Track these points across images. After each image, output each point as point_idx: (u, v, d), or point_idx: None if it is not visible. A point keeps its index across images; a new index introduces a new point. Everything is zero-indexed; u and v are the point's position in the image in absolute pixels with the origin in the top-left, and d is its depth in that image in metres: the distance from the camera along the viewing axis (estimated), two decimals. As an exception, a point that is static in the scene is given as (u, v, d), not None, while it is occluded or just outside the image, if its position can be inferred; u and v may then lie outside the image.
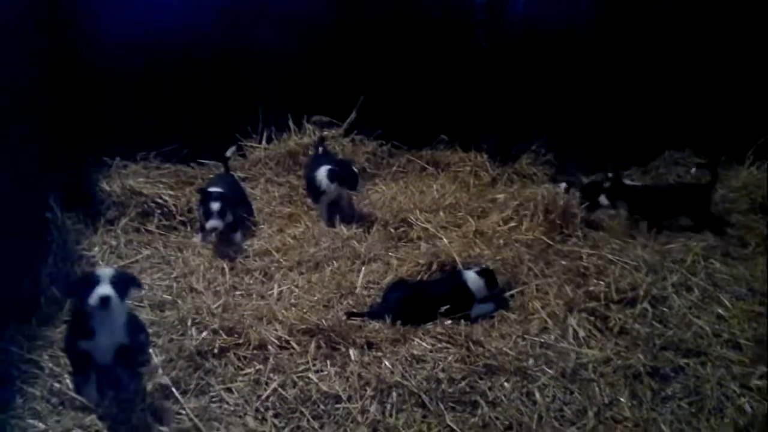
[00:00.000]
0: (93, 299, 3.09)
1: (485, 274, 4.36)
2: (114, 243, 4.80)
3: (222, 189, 4.97)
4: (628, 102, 6.36)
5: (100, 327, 3.16)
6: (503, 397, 3.57)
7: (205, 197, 4.84)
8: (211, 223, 4.75)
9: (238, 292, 4.34)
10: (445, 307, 4.13)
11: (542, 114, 6.38)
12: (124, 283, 3.20)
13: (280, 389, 3.47)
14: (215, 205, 4.75)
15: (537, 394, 3.60)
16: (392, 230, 5.17)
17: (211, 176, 5.67)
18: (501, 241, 4.98)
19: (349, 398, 3.46)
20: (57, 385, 3.40)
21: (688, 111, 6.36)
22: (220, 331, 3.77)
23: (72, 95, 5.54)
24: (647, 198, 5.49)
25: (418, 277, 4.58)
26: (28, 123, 4.52)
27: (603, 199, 5.47)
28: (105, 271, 3.18)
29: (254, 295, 4.30)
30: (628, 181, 5.53)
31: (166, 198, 5.29)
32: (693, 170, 5.94)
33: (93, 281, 3.13)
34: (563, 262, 4.76)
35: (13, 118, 4.18)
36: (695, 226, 5.36)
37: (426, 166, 6.33)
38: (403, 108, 6.29)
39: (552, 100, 6.33)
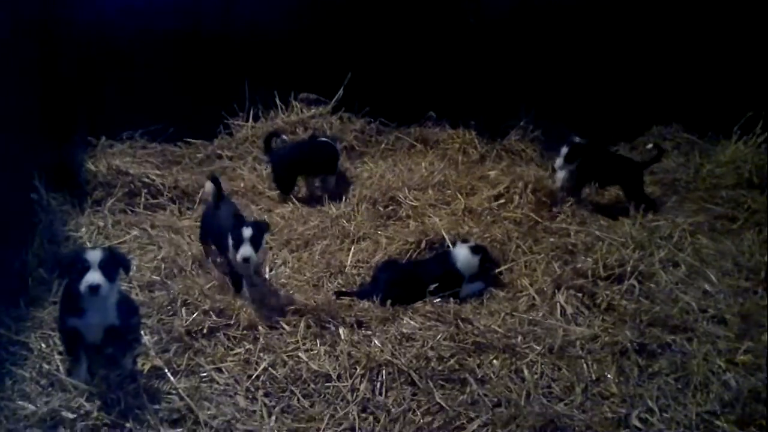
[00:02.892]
0: (82, 287, 3.06)
1: (477, 251, 4.37)
2: (101, 224, 4.75)
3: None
4: (616, 77, 6.34)
5: (90, 306, 3.15)
6: (492, 374, 3.60)
7: (238, 223, 4.02)
8: (244, 251, 3.91)
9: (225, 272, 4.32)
10: (434, 286, 4.15)
11: (530, 90, 6.34)
12: (115, 264, 3.17)
13: (270, 369, 3.48)
14: (247, 232, 3.92)
15: (525, 371, 3.63)
16: (381, 208, 5.16)
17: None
18: (490, 219, 5.00)
19: (339, 377, 3.48)
20: (46, 366, 3.38)
21: (676, 86, 6.35)
22: (210, 312, 3.77)
23: (56, 74, 5.46)
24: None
25: (407, 256, 4.58)
26: (12, 103, 4.45)
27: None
28: (94, 254, 3.10)
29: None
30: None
31: (153, 177, 5.24)
32: (649, 146, 5.95)
33: (82, 265, 3.08)
34: (551, 239, 4.79)
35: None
36: (627, 199, 5.41)
37: (414, 143, 6.30)
38: (391, 85, 6.24)
39: (540, 76, 6.30)
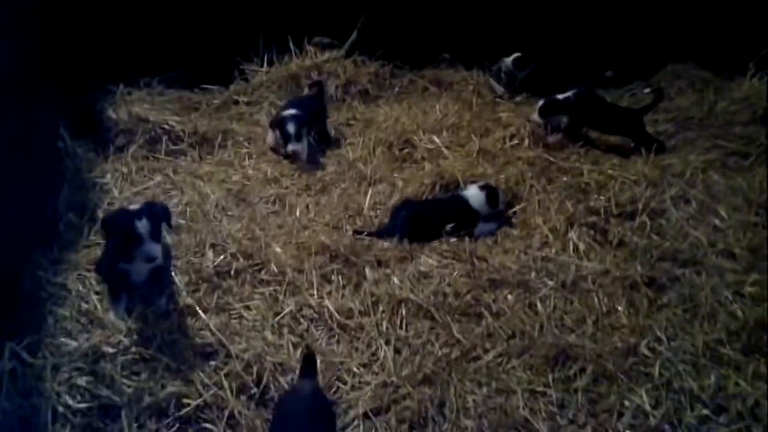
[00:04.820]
0: (139, 257, 3.34)
1: (487, 190, 4.50)
2: (125, 170, 4.85)
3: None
4: (630, 15, 6.28)
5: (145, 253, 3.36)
6: (506, 308, 3.77)
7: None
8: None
9: (250, 218, 4.43)
10: (450, 226, 4.29)
11: (543, 30, 6.31)
12: (159, 221, 3.37)
13: (296, 307, 3.67)
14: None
15: (539, 305, 3.80)
16: (396, 152, 5.24)
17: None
18: (504, 160, 5.08)
19: (361, 313, 3.66)
20: (84, 305, 3.57)
21: (690, 23, 6.29)
22: (237, 254, 3.93)
23: (73, 22, 5.50)
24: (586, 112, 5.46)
25: (423, 197, 4.70)
26: (34, 54, 4.53)
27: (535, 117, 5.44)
28: (143, 225, 3.28)
29: (267, 219, 4.43)
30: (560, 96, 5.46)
31: (173, 124, 5.32)
32: (646, 90, 5.79)
33: (134, 236, 3.29)
34: (564, 179, 4.88)
35: (19, 48, 4.20)
36: (635, 145, 5.36)
37: (428, 86, 6.30)
38: (404, 27, 6.22)
39: (553, 13, 6.26)
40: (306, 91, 5.79)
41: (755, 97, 5.88)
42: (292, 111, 5.22)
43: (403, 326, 3.63)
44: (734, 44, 6.17)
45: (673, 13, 6.26)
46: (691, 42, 6.33)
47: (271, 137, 5.32)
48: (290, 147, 5.06)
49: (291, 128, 5.06)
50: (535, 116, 5.41)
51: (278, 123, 5.18)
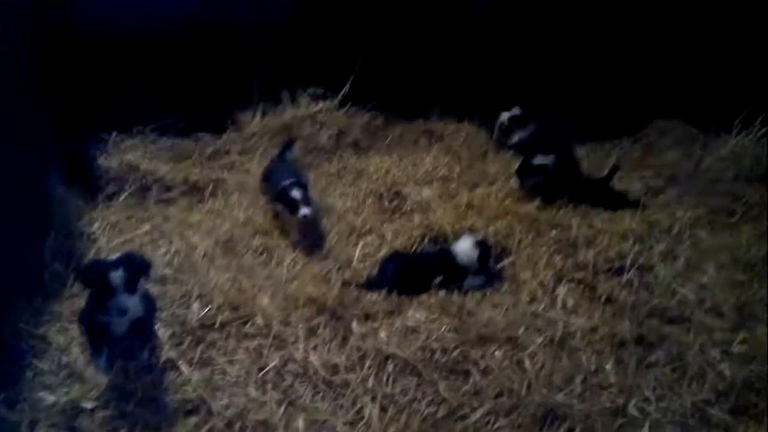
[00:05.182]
0: (113, 309, 3.23)
1: (480, 247, 4.46)
2: (114, 219, 4.85)
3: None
4: (617, 70, 6.40)
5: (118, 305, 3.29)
6: (494, 366, 3.71)
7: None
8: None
9: (238, 268, 4.40)
10: (439, 279, 4.28)
11: (532, 84, 6.40)
12: (136, 272, 3.29)
13: (281, 362, 3.61)
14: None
15: (527, 362, 3.74)
16: (386, 203, 5.25)
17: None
18: (493, 213, 5.09)
19: (347, 369, 3.61)
20: (65, 358, 3.52)
21: (678, 79, 6.40)
22: (223, 306, 3.89)
23: (66, 70, 5.55)
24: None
25: (412, 249, 4.70)
26: (25, 99, 4.55)
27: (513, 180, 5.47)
28: (117, 275, 3.19)
29: (255, 270, 4.39)
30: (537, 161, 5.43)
31: (164, 172, 5.35)
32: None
33: (108, 287, 3.20)
34: (553, 233, 4.88)
35: (11, 93, 4.22)
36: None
37: (420, 137, 6.38)
38: (397, 78, 6.31)
39: (542, 68, 6.37)
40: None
41: (741, 154, 5.97)
42: (289, 180, 4.82)
43: (389, 383, 3.57)
44: (721, 101, 6.27)
45: (661, 71, 6.39)
46: (678, 99, 6.43)
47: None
48: (302, 212, 4.62)
49: (296, 194, 4.66)
50: (513, 179, 5.45)
51: (279, 196, 4.79)
